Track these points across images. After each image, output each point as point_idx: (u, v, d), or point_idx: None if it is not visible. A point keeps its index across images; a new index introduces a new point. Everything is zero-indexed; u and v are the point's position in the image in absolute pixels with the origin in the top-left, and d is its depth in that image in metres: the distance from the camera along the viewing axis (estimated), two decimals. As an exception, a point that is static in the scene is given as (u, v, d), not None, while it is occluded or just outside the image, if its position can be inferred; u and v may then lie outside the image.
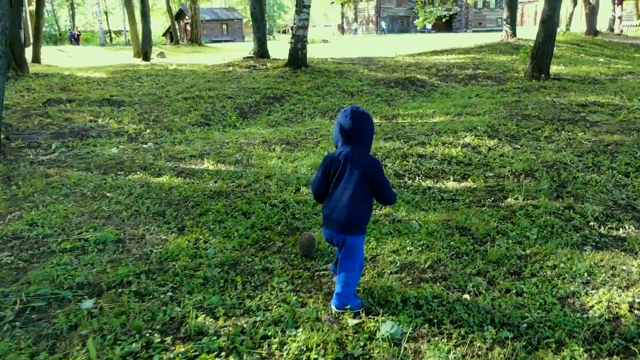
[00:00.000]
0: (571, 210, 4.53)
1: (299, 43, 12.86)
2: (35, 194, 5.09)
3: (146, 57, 21.67)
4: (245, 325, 2.86)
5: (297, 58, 12.99)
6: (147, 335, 2.75)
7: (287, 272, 3.53)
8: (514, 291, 3.25)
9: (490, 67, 15.11)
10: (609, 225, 4.29)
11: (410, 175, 5.67)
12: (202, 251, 3.83)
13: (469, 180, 5.46)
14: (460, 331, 2.83)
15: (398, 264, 3.61)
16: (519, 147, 6.49)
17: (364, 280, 3.37)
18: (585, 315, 2.98)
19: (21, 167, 6.11)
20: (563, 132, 7.05)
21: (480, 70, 14.72)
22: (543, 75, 12.94)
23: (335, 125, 2.92)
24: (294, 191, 5.13)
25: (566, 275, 3.43)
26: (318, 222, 4.42)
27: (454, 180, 5.52)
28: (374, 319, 2.93)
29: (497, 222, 4.34)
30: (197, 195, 4.99)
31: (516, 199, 4.81)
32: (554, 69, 13.85)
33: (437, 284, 3.35)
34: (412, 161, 6.05)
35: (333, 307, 3.03)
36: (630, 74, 13.96)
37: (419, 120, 8.45)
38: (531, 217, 4.40)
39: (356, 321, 2.89)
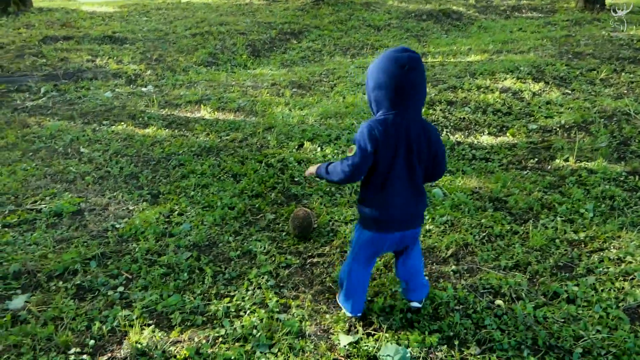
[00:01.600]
0: (637, 177, 3.61)
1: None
2: (3, 149, 4.46)
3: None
4: (203, 342, 2.18)
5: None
6: (73, 357, 2.11)
7: (273, 259, 2.83)
8: (565, 296, 2.46)
9: (538, -4, 13.47)
10: (687, 198, 3.38)
11: (437, 127, 4.78)
12: (174, 227, 3.14)
13: (508, 134, 4.54)
14: (490, 358, 2.09)
15: (413, 251, 2.84)
16: (569, 92, 5.45)
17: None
18: (663, 337, 2.19)
19: (0, 116, 5.48)
20: (623, 73, 5.92)
21: (524, 1, 13.14)
22: (598, 6, 11.38)
23: (375, 80, 1.98)
24: (296, 147, 4.35)
25: (636, 273, 2.59)
26: (321, 189, 3.66)
27: (489, 133, 4.62)
28: (373, 336, 2.21)
29: (542, 191, 3.47)
30: (183, 152, 4.28)
31: (566, 160, 3.90)
32: (610, -2, 12.22)
33: (461, 281, 2.59)
34: (440, 109, 5.13)
35: (416, 303, 2.35)
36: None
37: (452, 60, 7.38)
38: (585, 186, 3.52)
39: (350, 339, 2.18)
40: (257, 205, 3.45)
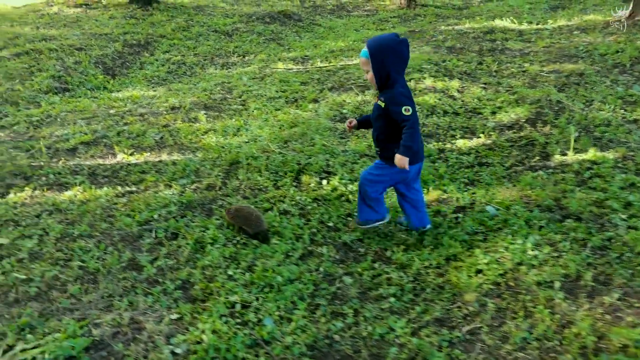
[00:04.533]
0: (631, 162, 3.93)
1: (144, -28, 10.21)
2: None
3: None
4: None
5: (144, -8, 10.39)
6: None
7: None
8: None
9: (352, -5, 14.22)
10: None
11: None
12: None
13: (481, 135, 4.55)
14: None
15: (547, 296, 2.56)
16: (485, 85, 5.77)
17: None
18: None
19: None
20: (510, 64, 6.52)
21: (344, 1, 13.75)
22: (412, 2, 12.54)
23: (394, 55, 2.73)
24: (317, 183, 3.65)
25: None
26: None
27: (460, 137, 4.57)
28: None
29: (584, 192, 3.50)
30: (160, 217, 3.20)
31: (564, 154, 4.06)
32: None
33: None
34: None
35: (427, 225, 3.14)
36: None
37: (337, 62, 7.21)
38: (605, 178, 3.67)
39: None
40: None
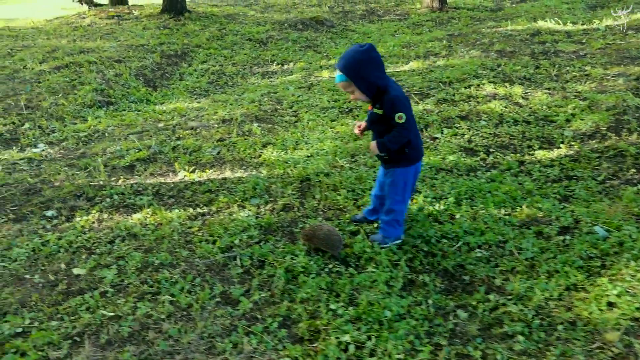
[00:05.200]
0: None
1: (176, -18, 10.09)
2: None
3: None
4: None
5: (175, 2, 10.24)
6: None
7: None
8: None
9: (381, 0, 13.98)
10: None
11: (478, 149, 4.30)
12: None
13: (561, 145, 4.26)
14: None
15: None
16: (549, 91, 5.46)
17: None
18: None
19: None
20: (569, 67, 6.21)
21: (372, 5, 13.51)
22: (445, 5, 12.27)
23: (371, 66, 2.66)
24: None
25: None
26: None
27: (539, 148, 4.29)
28: None
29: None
30: (241, 243, 2.97)
31: (661, 166, 3.75)
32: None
33: None
34: (466, 126, 4.65)
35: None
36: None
37: (391, 70, 6.96)
38: None
39: None
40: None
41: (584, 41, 7.53)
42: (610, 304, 2.45)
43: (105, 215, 3.38)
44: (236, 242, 3.01)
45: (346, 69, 2.65)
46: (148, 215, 3.36)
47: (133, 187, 3.86)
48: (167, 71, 7.60)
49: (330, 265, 2.81)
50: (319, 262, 2.83)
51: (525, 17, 10.08)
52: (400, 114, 2.65)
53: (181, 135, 4.99)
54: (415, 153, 2.87)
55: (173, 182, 3.95)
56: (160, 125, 5.44)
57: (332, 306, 2.48)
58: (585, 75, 5.90)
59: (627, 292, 2.50)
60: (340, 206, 3.42)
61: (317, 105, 5.71)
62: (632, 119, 4.50)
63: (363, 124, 2.97)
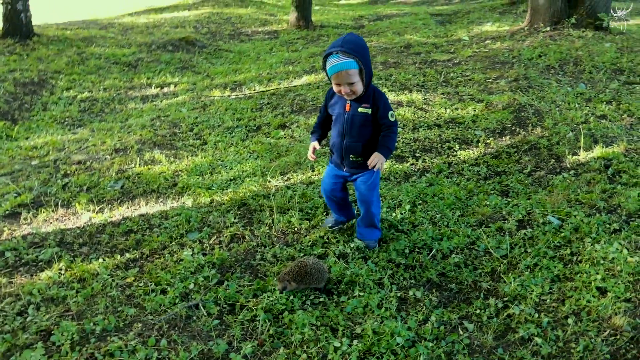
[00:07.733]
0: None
1: (18, 2, 8.74)
2: None
3: None
4: None
5: (20, 24, 8.89)
6: None
7: None
8: None
9: (246, 20, 13.79)
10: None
11: (405, 155, 4.27)
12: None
13: (478, 145, 4.40)
14: None
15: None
16: (445, 95, 5.70)
17: None
18: None
19: None
20: (451, 74, 6.58)
21: (238, 25, 13.27)
22: (310, 24, 12.49)
23: (369, 59, 2.45)
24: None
25: None
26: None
27: (459, 149, 4.38)
28: None
29: (622, 188, 3.43)
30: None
31: (574, 154, 4.02)
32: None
33: None
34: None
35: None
36: (362, 18, 14.65)
37: (280, 85, 6.73)
38: (628, 173, 3.66)
39: None
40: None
41: (452, 50, 8.10)
42: (599, 289, 2.46)
43: (2, 280, 2.61)
44: (191, 287, 2.50)
45: (359, 54, 2.37)
46: (62, 271, 2.67)
47: (27, 239, 3.08)
48: (26, 101, 6.51)
49: (311, 297, 2.46)
50: (298, 294, 2.45)
51: (390, 32, 10.64)
52: (392, 111, 2.56)
53: (68, 172, 4.20)
54: None
55: (78, 227, 3.24)
56: (35, 162, 4.57)
57: (336, 344, 2.13)
58: (469, 80, 6.28)
59: (607, 274, 2.54)
60: (295, 228, 3.07)
61: (220, 125, 5.26)
62: (530, 115, 4.83)
63: (317, 145, 2.71)
